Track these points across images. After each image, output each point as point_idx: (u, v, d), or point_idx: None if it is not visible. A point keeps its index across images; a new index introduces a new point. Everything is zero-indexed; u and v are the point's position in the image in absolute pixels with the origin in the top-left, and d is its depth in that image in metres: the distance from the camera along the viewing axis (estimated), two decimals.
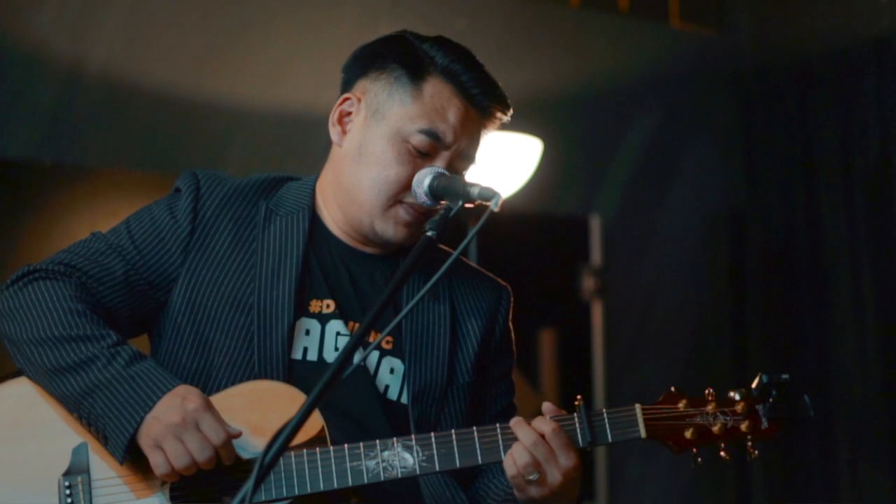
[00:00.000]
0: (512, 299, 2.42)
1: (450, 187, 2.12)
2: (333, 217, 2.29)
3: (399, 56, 2.24)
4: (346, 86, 2.30)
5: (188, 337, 2.21)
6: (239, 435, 2.07)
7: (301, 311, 2.22)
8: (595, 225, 5.53)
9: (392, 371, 2.25)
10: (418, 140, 2.19)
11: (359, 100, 2.26)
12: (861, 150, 5.24)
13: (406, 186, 2.20)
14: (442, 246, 2.29)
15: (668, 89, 5.64)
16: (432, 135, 2.19)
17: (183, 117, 4.59)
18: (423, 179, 2.15)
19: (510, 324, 2.41)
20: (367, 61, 2.28)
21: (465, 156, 2.24)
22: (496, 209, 2.00)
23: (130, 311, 2.23)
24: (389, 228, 2.23)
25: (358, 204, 2.24)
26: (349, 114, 2.27)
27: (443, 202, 2.14)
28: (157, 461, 2.04)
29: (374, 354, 2.25)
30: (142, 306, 2.23)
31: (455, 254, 1.93)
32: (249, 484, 1.68)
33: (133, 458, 2.07)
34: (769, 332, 5.51)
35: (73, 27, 4.40)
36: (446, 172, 2.17)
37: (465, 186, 2.08)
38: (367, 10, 4.56)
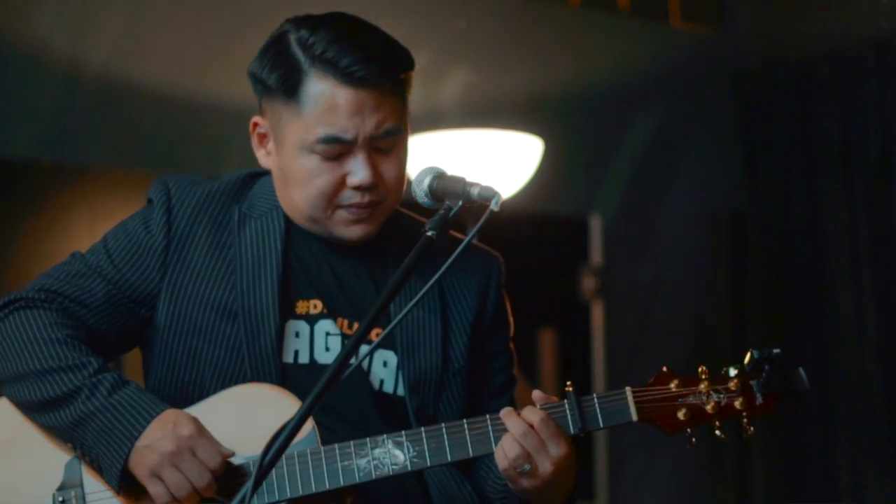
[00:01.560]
0: (503, 269, 2.37)
1: (449, 187, 2.08)
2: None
3: (272, 70, 2.19)
4: (259, 103, 2.27)
5: (177, 350, 2.19)
6: (232, 454, 2.05)
7: (288, 313, 2.20)
8: (595, 225, 5.53)
9: (385, 364, 2.23)
10: (322, 149, 2.14)
11: (264, 122, 2.24)
12: (861, 150, 5.23)
13: (333, 193, 2.16)
14: (453, 232, 2.25)
15: (668, 89, 5.63)
16: (332, 139, 2.13)
17: (183, 117, 4.59)
18: (423, 179, 2.11)
19: (504, 295, 2.36)
20: (255, 82, 2.25)
21: (381, 136, 2.15)
22: (496, 209, 1.97)
23: (116, 330, 2.21)
24: (342, 231, 2.20)
25: (304, 218, 2.22)
26: (264, 136, 2.25)
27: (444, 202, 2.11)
28: (157, 491, 2.03)
29: (366, 349, 2.18)
30: (127, 324, 2.21)
31: (453, 256, 1.91)
32: (249, 484, 1.68)
33: (129, 485, 2.06)
34: (769, 332, 5.51)
35: (73, 27, 4.40)
36: (446, 172, 2.13)
37: (465, 186, 2.04)
38: (367, 11, 4.55)
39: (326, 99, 2.13)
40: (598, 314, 5.50)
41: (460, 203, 2.03)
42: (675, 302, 5.67)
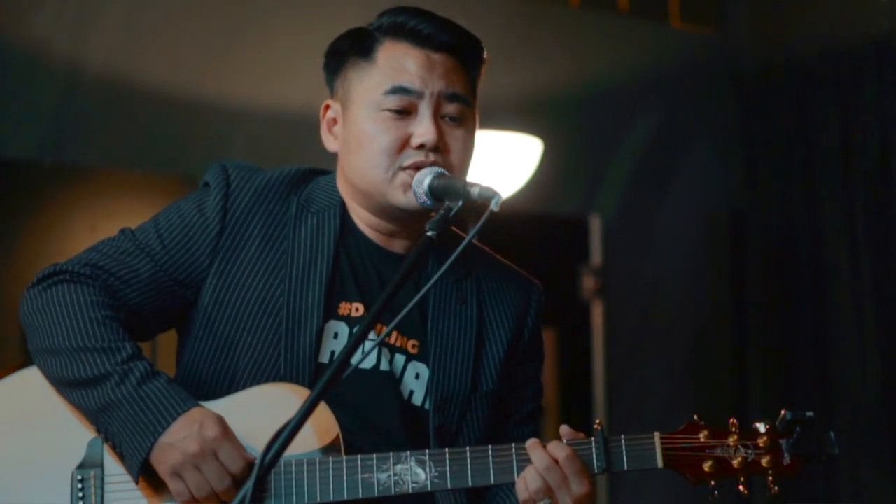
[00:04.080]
0: (543, 298, 2.37)
1: (450, 187, 2.09)
2: (360, 216, 2.27)
3: (348, 45, 2.25)
4: (331, 88, 2.31)
5: (216, 337, 2.19)
6: (254, 458, 2.05)
7: (330, 313, 2.20)
8: (595, 225, 5.53)
9: (417, 376, 2.23)
10: (390, 101, 2.17)
11: (335, 102, 2.26)
12: (861, 150, 5.23)
13: (396, 151, 2.17)
14: (455, 230, 2.25)
15: (668, 89, 5.64)
16: (399, 90, 2.17)
17: (183, 117, 4.59)
18: (423, 179, 2.13)
19: (540, 325, 2.36)
20: (330, 65, 2.29)
21: (448, 97, 2.20)
22: (496, 209, 1.97)
23: (158, 311, 2.20)
24: (400, 197, 2.18)
25: (367, 191, 2.21)
26: (335, 120, 2.27)
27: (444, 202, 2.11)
28: (177, 489, 2.03)
29: (401, 359, 2.22)
30: (169, 305, 2.21)
31: (453, 256, 1.91)
32: (249, 484, 1.68)
33: (149, 475, 2.06)
34: (769, 332, 5.51)
35: (73, 27, 4.40)
36: (446, 172, 2.15)
37: (466, 186, 2.05)
38: (368, 10, 4.56)
39: (396, 58, 2.19)
40: (598, 314, 5.50)
41: (461, 203, 2.04)
42: (675, 302, 5.68)
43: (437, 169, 2.15)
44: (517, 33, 5.27)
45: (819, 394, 5.17)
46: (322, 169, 2.35)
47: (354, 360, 2.12)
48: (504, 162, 4.69)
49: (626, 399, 5.46)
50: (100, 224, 4.41)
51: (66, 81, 4.41)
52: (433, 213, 2.08)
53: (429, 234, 1.98)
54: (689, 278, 5.72)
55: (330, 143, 2.28)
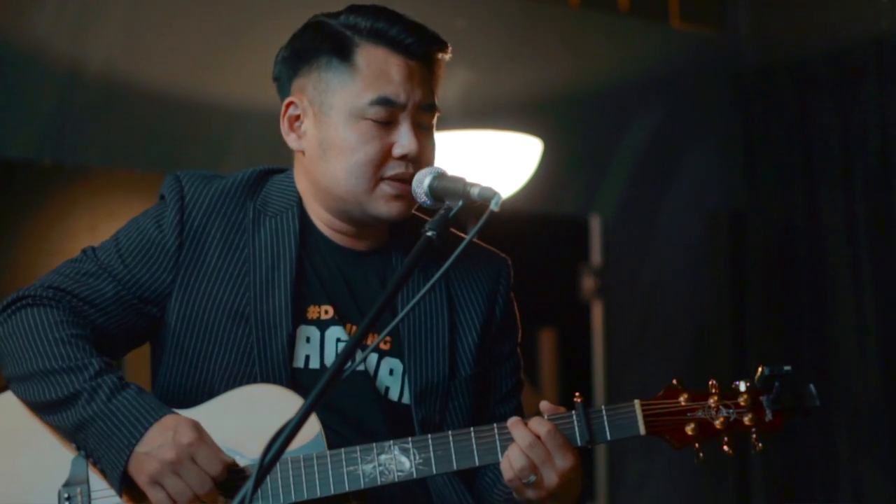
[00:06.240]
0: (511, 272, 2.36)
1: (450, 187, 2.08)
2: (320, 216, 2.26)
3: (320, 42, 2.21)
4: (283, 92, 2.27)
5: (187, 352, 2.19)
6: (232, 461, 2.06)
7: (299, 318, 2.19)
8: (595, 225, 5.53)
9: (391, 372, 2.23)
10: (374, 112, 2.15)
11: (301, 100, 2.23)
12: (861, 150, 5.23)
13: (380, 162, 2.17)
14: (453, 230, 2.24)
15: (668, 89, 5.63)
16: (385, 101, 2.15)
17: (183, 117, 4.59)
18: (423, 180, 2.12)
19: (512, 299, 2.35)
20: (292, 61, 2.25)
21: (425, 107, 2.20)
22: (496, 209, 1.97)
23: (125, 330, 2.20)
24: (381, 207, 2.19)
25: (341, 198, 2.20)
26: (297, 117, 2.23)
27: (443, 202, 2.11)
28: (158, 498, 2.03)
29: (373, 356, 2.22)
30: (137, 323, 2.21)
31: (453, 257, 1.91)
32: (249, 484, 1.68)
33: (131, 487, 2.06)
34: (769, 332, 5.51)
35: (73, 27, 4.40)
36: (446, 172, 2.14)
37: (465, 186, 2.05)
38: None
39: (379, 65, 2.16)
40: (598, 314, 5.50)
41: (460, 203, 2.04)
42: (675, 302, 5.68)
43: (437, 169, 2.14)
44: (517, 33, 5.27)
45: (819, 394, 5.17)
46: (277, 167, 2.33)
47: (331, 362, 2.14)
48: (504, 162, 4.69)
49: (626, 399, 5.44)
50: (100, 224, 4.41)
51: (66, 81, 4.41)
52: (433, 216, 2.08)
53: (429, 234, 1.98)
54: (689, 278, 5.72)
55: (293, 141, 2.25)
